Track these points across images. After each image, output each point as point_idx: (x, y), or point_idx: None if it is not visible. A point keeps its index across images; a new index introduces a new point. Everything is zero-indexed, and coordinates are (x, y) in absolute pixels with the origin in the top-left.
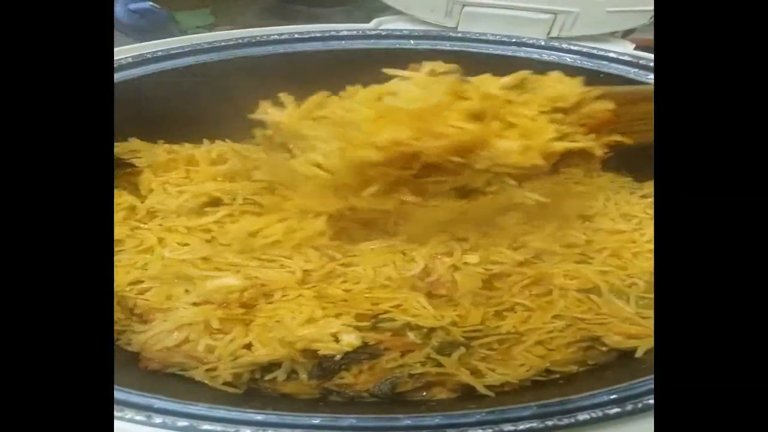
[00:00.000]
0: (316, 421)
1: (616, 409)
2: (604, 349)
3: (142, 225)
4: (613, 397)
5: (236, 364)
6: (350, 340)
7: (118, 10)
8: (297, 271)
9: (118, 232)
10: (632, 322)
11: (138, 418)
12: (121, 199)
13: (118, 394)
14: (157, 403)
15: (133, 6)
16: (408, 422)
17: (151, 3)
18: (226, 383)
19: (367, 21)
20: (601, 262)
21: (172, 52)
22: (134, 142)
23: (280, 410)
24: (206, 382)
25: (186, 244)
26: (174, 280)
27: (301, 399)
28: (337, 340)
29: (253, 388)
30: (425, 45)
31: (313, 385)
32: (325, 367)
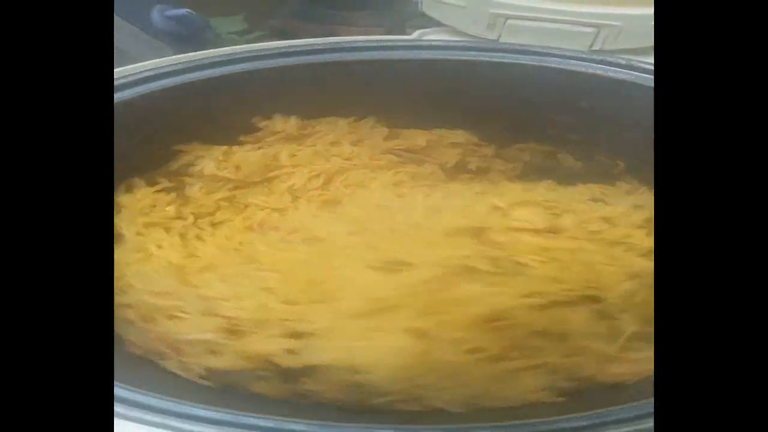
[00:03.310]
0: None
1: None
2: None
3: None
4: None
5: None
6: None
7: (155, 16)
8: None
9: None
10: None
11: None
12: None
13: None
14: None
15: (169, 13)
16: None
17: (187, 10)
18: (201, 377)
19: (397, 24)
20: None
21: (207, 62)
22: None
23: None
24: (180, 373)
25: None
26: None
27: (273, 399)
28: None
29: (226, 384)
30: (464, 56)
31: (283, 387)
32: (288, 374)
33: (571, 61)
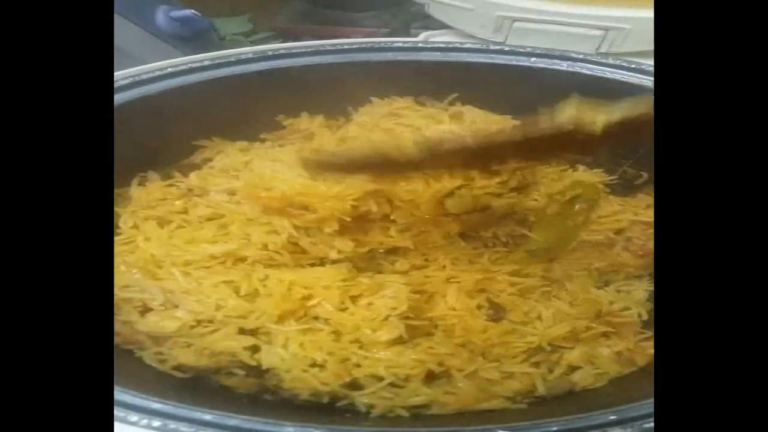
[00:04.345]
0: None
1: None
2: None
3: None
4: None
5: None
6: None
7: (160, 18)
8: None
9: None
10: None
11: None
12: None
13: None
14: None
15: (174, 14)
16: None
17: (192, 11)
18: (174, 368)
19: (401, 26)
20: None
21: (234, 59)
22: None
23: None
24: (154, 365)
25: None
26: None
27: (240, 393)
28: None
29: (198, 377)
30: (467, 58)
31: (251, 382)
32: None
33: (605, 68)
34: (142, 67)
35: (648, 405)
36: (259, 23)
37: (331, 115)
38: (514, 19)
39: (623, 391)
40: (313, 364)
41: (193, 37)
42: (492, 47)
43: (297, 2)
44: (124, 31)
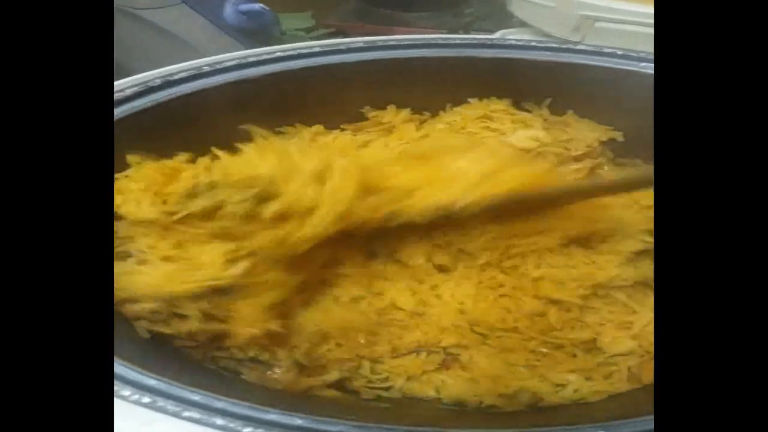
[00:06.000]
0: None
1: None
2: None
3: None
4: None
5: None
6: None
7: (228, 11)
8: None
9: None
10: None
11: None
12: None
13: None
14: None
15: (243, 7)
16: None
17: (260, 5)
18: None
19: (455, 26)
20: None
21: (330, 49)
22: None
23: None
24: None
25: None
26: None
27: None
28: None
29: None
30: (539, 56)
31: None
32: None
33: None
34: (225, 56)
35: (640, 422)
36: (320, 19)
37: (417, 110)
38: (596, 19)
39: (619, 407)
40: None
41: (257, 31)
42: (605, 50)
43: (354, 0)
44: (191, 24)
